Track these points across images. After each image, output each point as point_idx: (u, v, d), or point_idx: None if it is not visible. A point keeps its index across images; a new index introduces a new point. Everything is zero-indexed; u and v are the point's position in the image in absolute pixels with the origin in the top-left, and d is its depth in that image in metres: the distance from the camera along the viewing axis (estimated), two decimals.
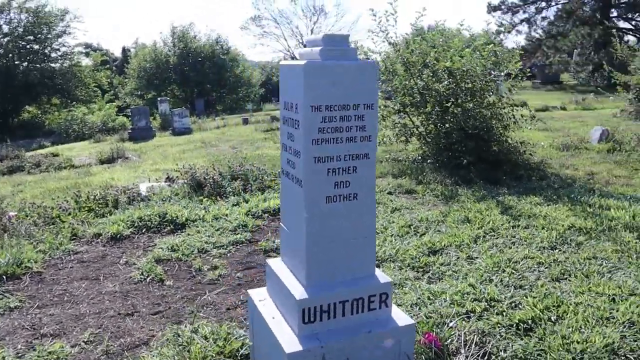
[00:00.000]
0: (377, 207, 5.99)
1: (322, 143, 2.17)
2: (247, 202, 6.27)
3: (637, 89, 14.56)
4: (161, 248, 4.88)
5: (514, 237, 4.86)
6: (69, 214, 5.96)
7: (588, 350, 2.91)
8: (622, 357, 2.88)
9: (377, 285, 2.39)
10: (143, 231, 5.43)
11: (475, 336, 3.02)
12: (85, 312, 3.71)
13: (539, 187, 6.73)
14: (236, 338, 3.00)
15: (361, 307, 2.37)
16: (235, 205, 6.19)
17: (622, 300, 3.51)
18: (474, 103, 7.67)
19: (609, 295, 3.59)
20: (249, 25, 53.06)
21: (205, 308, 3.74)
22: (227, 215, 5.78)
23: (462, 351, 2.87)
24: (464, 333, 3.03)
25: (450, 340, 2.95)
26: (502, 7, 33.32)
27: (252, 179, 6.91)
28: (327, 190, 2.23)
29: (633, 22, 31.61)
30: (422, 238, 4.87)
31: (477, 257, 4.41)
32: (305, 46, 2.34)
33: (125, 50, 47.92)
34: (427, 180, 7.17)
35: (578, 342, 2.98)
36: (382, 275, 2.44)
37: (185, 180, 6.72)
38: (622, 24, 32.15)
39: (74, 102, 27.25)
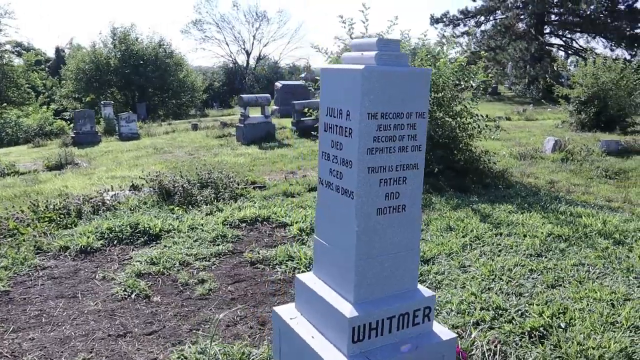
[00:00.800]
0: None
1: (377, 152, 2.06)
2: (221, 211, 6.04)
3: (577, 101, 15.40)
4: (139, 261, 4.57)
5: (500, 244, 4.93)
6: (28, 225, 5.50)
7: (606, 356, 2.95)
8: None
9: (422, 299, 2.31)
10: (115, 243, 5.08)
11: (495, 345, 3.00)
12: (70, 335, 3.39)
13: (507, 196, 6.91)
14: (261, 358, 2.82)
15: (406, 322, 2.27)
16: (209, 214, 5.94)
17: (620, 306, 3.61)
18: (442, 112, 7.80)
19: (607, 300, 3.68)
20: (190, 29, 51.75)
21: (203, 325, 3.52)
22: (202, 225, 5.52)
23: None
24: (483, 344, 3.00)
25: (473, 350, 2.91)
26: (445, 19, 34.45)
27: (223, 187, 6.67)
28: (378, 202, 2.13)
29: (563, 39, 33.56)
30: None
31: (470, 266, 4.43)
32: (349, 50, 2.22)
33: (59, 51, 45.62)
34: None
35: (593, 348, 3.02)
36: (424, 289, 2.36)
37: (153, 189, 6.38)
38: (554, 40, 34.07)
39: (5, 104, 25.54)
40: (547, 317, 3.41)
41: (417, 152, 2.18)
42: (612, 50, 31.42)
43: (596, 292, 3.81)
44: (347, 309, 2.14)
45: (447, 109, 7.93)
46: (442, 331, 2.39)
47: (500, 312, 3.54)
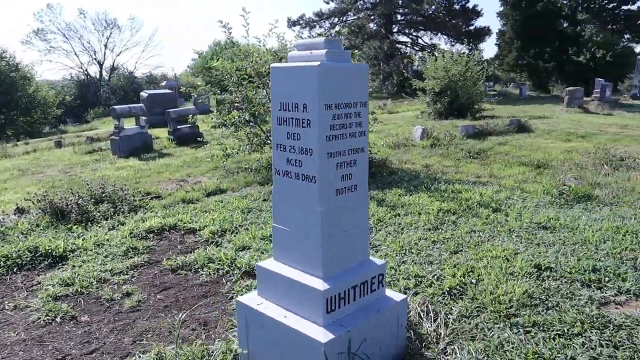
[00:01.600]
0: (260, 213, 6.11)
1: (333, 139, 2.31)
2: (123, 224, 5.83)
3: (432, 93, 17.00)
4: (51, 285, 4.31)
5: (400, 224, 5.44)
6: None
7: (514, 298, 3.51)
8: (538, 299, 3.54)
9: (376, 267, 2.60)
10: (15, 271, 4.70)
11: (425, 306, 3.40)
12: None
13: (393, 181, 7.55)
14: (222, 352, 2.90)
15: (366, 289, 2.55)
16: (112, 229, 5.71)
17: (513, 259, 4.26)
18: None
19: (502, 257, 4.32)
20: (32, 40, 47.14)
21: (145, 335, 3.48)
22: (108, 240, 5.31)
23: (424, 320, 3.22)
24: (416, 306, 3.39)
25: (410, 312, 3.28)
26: (301, 22, 35.61)
27: (119, 200, 6.42)
28: (336, 184, 2.37)
29: (410, 37, 36.56)
30: None
31: (379, 245, 4.85)
32: (295, 49, 2.43)
33: None
34: None
35: (502, 295, 3.57)
36: (376, 259, 2.65)
37: (42, 210, 5.95)
38: (402, 38, 36.97)
39: None
40: (460, 277, 3.92)
41: (363, 137, 2.46)
42: (452, 45, 35.01)
43: (492, 252, 4.44)
44: (319, 284, 2.35)
45: None
46: (393, 295, 2.71)
47: (419, 279, 3.98)
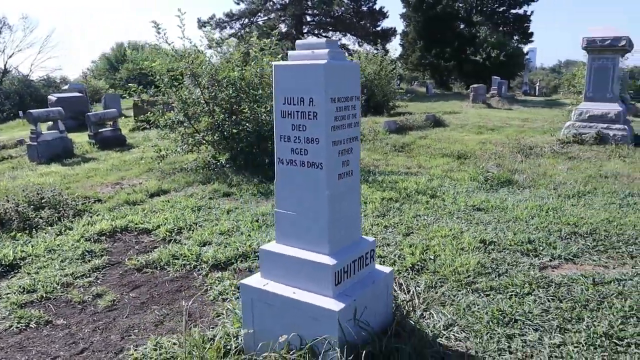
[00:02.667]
0: (210, 210, 6.22)
1: (336, 129, 2.58)
2: (71, 229, 5.68)
3: None
4: (11, 293, 4.18)
5: None
6: None
7: (470, 269, 3.97)
8: (489, 268, 4.03)
9: (368, 243, 2.91)
10: None
11: (397, 281, 3.77)
12: None
13: None
14: (220, 337, 3.05)
15: (362, 264, 2.85)
16: (60, 234, 5.55)
17: (460, 236, 4.76)
18: (263, 108, 8.45)
19: (450, 235, 4.80)
20: None
21: (132, 331, 3.53)
22: (59, 245, 5.18)
23: (399, 292, 3.57)
24: None
25: None
26: (211, 22, 35.17)
27: (62, 205, 6.22)
28: (338, 169, 2.64)
29: (320, 37, 37.37)
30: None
31: None
32: (294, 49, 2.67)
33: None
34: (236, 183, 7.60)
35: (460, 266, 4.02)
36: (367, 237, 2.96)
37: None
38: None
39: None
40: (419, 255, 4.34)
41: (357, 127, 2.75)
42: (360, 45, 36.28)
43: (440, 232, 4.91)
44: (328, 259, 2.62)
45: (261, 106, 8.58)
46: (381, 268, 3.03)
47: (382, 259, 4.35)
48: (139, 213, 6.20)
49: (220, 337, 3.12)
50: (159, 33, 8.18)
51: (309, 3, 33.09)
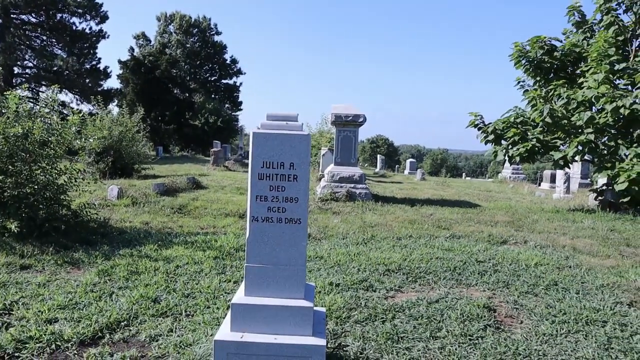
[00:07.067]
0: (21, 285, 5.42)
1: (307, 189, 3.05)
2: None
3: (94, 152, 16.66)
4: None
5: (188, 274, 5.87)
6: None
7: (341, 306, 4.68)
8: (352, 304, 4.81)
9: (312, 287, 3.36)
10: None
11: None
12: None
13: (131, 239, 7.65)
14: None
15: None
16: None
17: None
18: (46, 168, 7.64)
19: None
20: None
21: None
22: None
23: None
24: None
25: None
26: None
27: None
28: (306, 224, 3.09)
29: (33, 91, 33.67)
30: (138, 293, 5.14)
31: (195, 295, 5.23)
32: (267, 119, 3.05)
33: None
34: (27, 254, 6.64)
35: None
36: (308, 282, 3.41)
37: None
38: (24, 93, 33.62)
39: None
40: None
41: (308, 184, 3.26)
42: (79, 104, 34.05)
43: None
44: (306, 303, 2.99)
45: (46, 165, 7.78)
46: (317, 308, 3.50)
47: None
48: None
49: None
50: None
51: (22, 54, 29.74)
